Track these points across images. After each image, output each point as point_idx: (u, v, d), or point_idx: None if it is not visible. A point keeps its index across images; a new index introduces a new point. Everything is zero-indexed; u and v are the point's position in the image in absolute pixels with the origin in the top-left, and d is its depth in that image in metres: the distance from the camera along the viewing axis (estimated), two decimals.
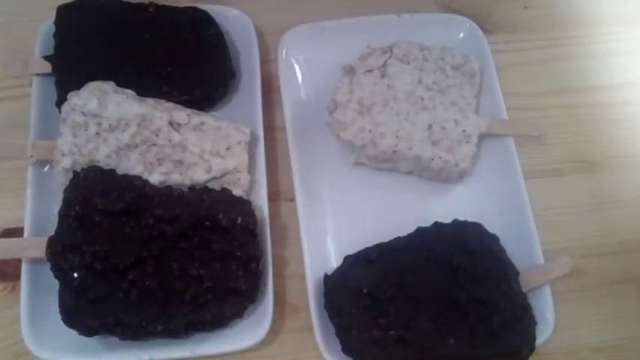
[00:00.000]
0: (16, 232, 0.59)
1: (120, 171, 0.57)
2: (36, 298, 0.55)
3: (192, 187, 0.58)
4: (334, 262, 0.59)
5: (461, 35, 0.70)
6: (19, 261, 0.56)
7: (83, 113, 0.58)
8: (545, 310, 0.57)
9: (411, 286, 0.54)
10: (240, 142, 0.61)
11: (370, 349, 0.52)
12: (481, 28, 0.70)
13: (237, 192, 0.58)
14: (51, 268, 0.53)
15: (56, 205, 0.55)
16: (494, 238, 0.58)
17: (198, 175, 0.58)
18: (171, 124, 0.59)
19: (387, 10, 0.70)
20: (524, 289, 0.56)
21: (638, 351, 0.59)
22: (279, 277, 0.59)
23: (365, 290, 0.54)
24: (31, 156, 0.58)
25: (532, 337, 0.54)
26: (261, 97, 0.64)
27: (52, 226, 0.55)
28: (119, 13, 0.65)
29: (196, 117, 0.60)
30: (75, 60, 0.62)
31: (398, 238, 0.57)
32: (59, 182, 0.58)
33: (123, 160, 0.58)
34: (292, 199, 0.61)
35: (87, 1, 0.65)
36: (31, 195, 0.59)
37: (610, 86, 0.72)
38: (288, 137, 0.63)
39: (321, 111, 0.65)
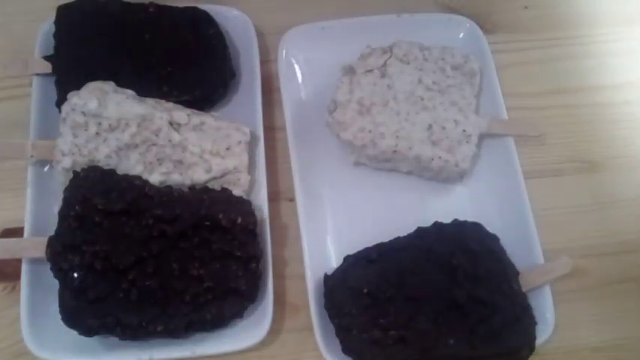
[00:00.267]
0: (16, 232, 0.59)
1: (120, 171, 0.57)
2: (36, 298, 0.55)
3: (192, 187, 0.58)
4: (334, 262, 0.59)
5: (461, 35, 0.70)
6: (19, 261, 0.56)
7: (83, 113, 0.58)
8: (545, 310, 0.57)
9: (411, 286, 0.54)
10: (240, 142, 0.61)
11: (370, 349, 0.52)
12: (481, 28, 0.70)
13: (237, 192, 0.58)
14: (51, 268, 0.53)
15: (56, 205, 0.55)
16: (494, 238, 0.58)
17: (198, 175, 0.58)
18: (171, 124, 0.59)
19: (387, 10, 0.70)
20: (524, 289, 0.56)
21: (638, 351, 0.59)
22: (279, 277, 0.59)
23: (365, 290, 0.54)
24: (31, 156, 0.58)
25: (532, 337, 0.54)
26: (261, 97, 0.64)
27: (52, 226, 0.55)
28: (119, 13, 0.65)
29: (196, 117, 0.60)
30: (75, 60, 0.62)
31: (398, 238, 0.57)
32: (59, 182, 0.58)
33: (123, 160, 0.58)
34: (292, 199, 0.61)
35: (87, 1, 0.65)
36: (31, 195, 0.59)
37: (610, 86, 0.72)
38: (288, 137, 0.63)
39: (321, 111, 0.65)
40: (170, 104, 0.61)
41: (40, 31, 0.66)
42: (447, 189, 0.64)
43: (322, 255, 0.60)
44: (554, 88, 0.72)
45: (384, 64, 0.64)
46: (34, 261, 0.56)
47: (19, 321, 0.54)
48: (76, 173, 0.56)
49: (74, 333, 0.52)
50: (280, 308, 0.58)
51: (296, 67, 0.69)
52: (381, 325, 0.52)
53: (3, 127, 0.65)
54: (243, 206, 0.56)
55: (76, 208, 0.53)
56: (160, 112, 0.59)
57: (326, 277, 0.56)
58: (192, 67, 0.64)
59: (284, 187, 0.64)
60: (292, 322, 0.59)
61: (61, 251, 0.52)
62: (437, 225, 0.58)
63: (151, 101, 0.60)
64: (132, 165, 0.57)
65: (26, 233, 0.57)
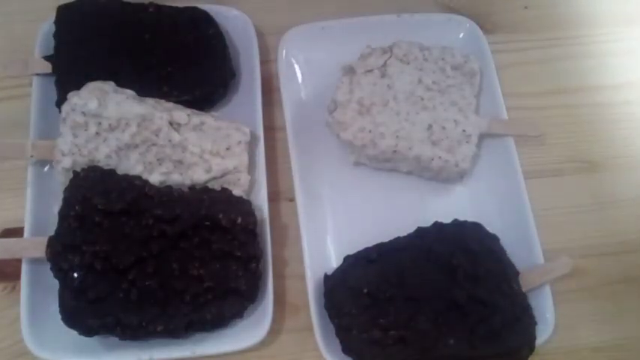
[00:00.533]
0: (16, 232, 0.59)
1: (120, 171, 0.57)
2: (36, 298, 0.55)
3: (192, 187, 0.58)
4: (334, 262, 0.59)
5: (461, 35, 0.70)
6: (19, 261, 0.56)
7: (83, 113, 0.58)
8: (545, 310, 0.57)
9: (411, 286, 0.54)
10: (240, 142, 0.61)
11: (370, 349, 0.52)
12: (481, 28, 0.70)
13: (237, 192, 0.58)
14: (51, 268, 0.53)
15: (56, 205, 0.55)
16: (494, 238, 0.58)
17: (198, 175, 0.58)
18: (171, 124, 0.59)
19: (387, 10, 0.70)
20: (524, 289, 0.56)
21: (638, 351, 0.59)
22: (279, 277, 0.59)
23: (365, 290, 0.54)
24: (31, 156, 0.58)
25: (532, 337, 0.54)
26: (261, 97, 0.64)
27: (52, 226, 0.55)
28: (119, 13, 0.65)
29: (196, 117, 0.60)
30: (75, 60, 0.62)
31: (398, 238, 0.57)
32: (59, 182, 0.58)
33: (123, 160, 0.58)
34: (292, 199, 0.61)
35: (87, 1, 0.65)
36: (31, 195, 0.59)
37: (610, 86, 0.72)
38: (288, 137, 0.63)
39: (321, 111, 0.65)
40: (170, 104, 0.61)
41: (40, 31, 0.66)
42: (447, 189, 0.64)
43: (322, 255, 0.60)
44: (554, 88, 0.72)
45: (384, 64, 0.64)
46: (34, 261, 0.56)
47: (19, 321, 0.54)
48: (76, 173, 0.56)
49: (74, 333, 0.52)
50: (280, 308, 0.58)
51: (296, 67, 0.69)
52: (381, 325, 0.52)
53: (3, 127, 0.65)
54: (243, 206, 0.56)
55: (76, 208, 0.53)
56: (160, 112, 0.59)
57: (326, 277, 0.56)
58: (192, 67, 0.64)
59: (284, 187, 0.64)
60: (292, 322, 0.59)
61: (61, 251, 0.52)
62: (437, 225, 0.58)
63: (151, 101, 0.60)
64: (132, 165, 0.57)
65: (26, 233, 0.57)
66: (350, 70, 0.64)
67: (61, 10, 0.64)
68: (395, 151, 0.61)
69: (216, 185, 0.59)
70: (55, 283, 0.53)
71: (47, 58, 0.63)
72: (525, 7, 0.76)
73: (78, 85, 0.59)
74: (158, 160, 0.58)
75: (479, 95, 0.66)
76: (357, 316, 0.53)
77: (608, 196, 0.66)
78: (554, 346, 0.58)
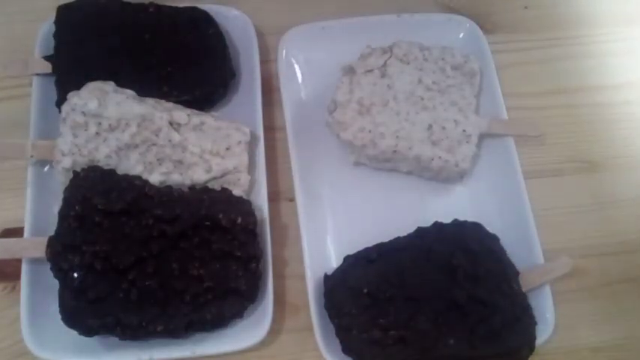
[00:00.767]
0: (16, 232, 0.59)
1: (120, 171, 0.57)
2: (36, 298, 0.55)
3: (192, 187, 0.58)
4: (334, 262, 0.59)
5: (461, 35, 0.70)
6: (19, 261, 0.56)
7: (83, 113, 0.58)
8: (545, 310, 0.57)
9: (411, 286, 0.54)
10: (240, 142, 0.61)
11: (370, 349, 0.52)
12: (481, 28, 0.70)
13: (237, 192, 0.58)
14: (51, 268, 0.53)
15: (56, 205, 0.55)
16: (494, 238, 0.58)
17: (198, 175, 0.58)
18: (171, 124, 0.59)
19: (387, 10, 0.70)
20: (524, 289, 0.56)
21: (638, 351, 0.59)
22: (279, 277, 0.59)
23: (365, 290, 0.54)
24: (31, 156, 0.58)
25: (532, 337, 0.54)
26: (261, 97, 0.64)
27: (52, 226, 0.55)
28: (119, 13, 0.65)
29: (196, 117, 0.60)
30: (75, 60, 0.62)
31: (398, 238, 0.57)
32: (59, 182, 0.58)
33: (123, 160, 0.58)
34: (292, 199, 0.61)
35: (87, 1, 0.65)
36: (31, 195, 0.59)
37: (610, 86, 0.72)
38: (288, 137, 0.63)
39: (321, 111, 0.65)
40: (170, 104, 0.61)
41: (40, 31, 0.66)
42: (447, 189, 0.64)
43: (322, 255, 0.60)
44: (554, 88, 0.72)
45: (384, 64, 0.64)
46: (34, 261, 0.56)
47: (19, 321, 0.54)
48: (76, 173, 0.56)
49: (74, 333, 0.52)
50: (280, 308, 0.58)
51: (296, 67, 0.69)
52: (381, 325, 0.52)
53: (3, 127, 0.65)
54: (243, 206, 0.56)
55: (76, 208, 0.53)
56: (160, 112, 0.59)
57: (326, 277, 0.56)
58: (192, 67, 0.64)
59: (284, 187, 0.64)
60: (292, 322, 0.59)
61: (61, 251, 0.52)
62: (437, 225, 0.58)
63: (151, 101, 0.60)
64: (132, 165, 0.57)
65: (26, 233, 0.57)
66: (350, 70, 0.64)
67: (61, 10, 0.64)
68: (395, 151, 0.61)
69: (216, 185, 0.59)
70: (55, 283, 0.53)
71: (47, 58, 0.64)
72: (525, 7, 0.76)
73: (78, 85, 0.59)
74: (158, 160, 0.58)
75: (479, 95, 0.66)
76: (357, 316, 0.53)
77: (608, 196, 0.66)
78: (554, 346, 0.58)
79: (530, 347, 0.54)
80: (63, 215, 0.54)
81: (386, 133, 0.61)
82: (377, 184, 0.64)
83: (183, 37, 0.65)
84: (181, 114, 0.60)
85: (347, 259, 0.56)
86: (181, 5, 0.66)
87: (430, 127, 0.62)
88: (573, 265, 0.58)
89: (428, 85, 0.63)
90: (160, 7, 0.66)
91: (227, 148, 0.60)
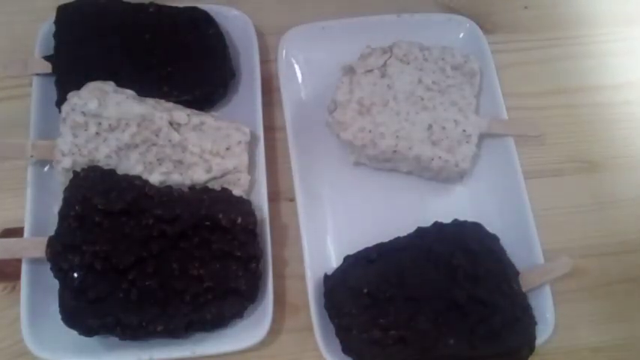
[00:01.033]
0: (16, 232, 0.59)
1: (120, 171, 0.57)
2: (36, 298, 0.55)
3: (192, 187, 0.58)
4: (334, 262, 0.59)
5: (461, 35, 0.70)
6: (19, 261, 0.56)
7: (83, 113, 0.58)
8: (545, 310, 0.57)
9: (411, 286, 0.54)
10: (240, 142, 0.61)
11: (370, 349, 0.52)
12: (481, 28, 0.70)
13: (237, 192, 0.58)
14: (51, 268, 0.53)
15: (56, 205, 0.55)
16: (494, 238, 0.58)
17: (198, 175, 0.58)
18: (171, 124, 0.59)
19: (387, 10, 0.70)
20: (524, 289, 0.56)
21: (637, 351, 0.59)
22: (279, 277, 0.59)
23: (365, 290, 0.54)
24: (31, 156, 0.58)
25: (532, 337, 0.54)
26: (261, 97, 0.64)
27: (52, 226, 0.55)
28: (119, 13, 0.65)
29: (196, 117, 0.60)
30: (75, 60, 0.62)
31: (398, 238, 0.57)
32: (59, 182, 0.58)
33: (123, 160, 0.58)
34: (292, 199, 0.61)
35: (87, 1, 0.65)
36: (31, 195, 0.59)
37: (610, 86, 0.72)
38: (288, 137, 0.63)
39: (321, 111, 0.65)
40: (170, 104, 0.61)
41: (40, 31, 0.66)
42: (447, 189, 0.64)
43: (322, 255, 0.60)
44: (554, 88, 0.72)
45: (384, 64, 0.64)
46: (34, 261, 0.56)
47: (19, 321, 0.54)
48: (76, 173, 0.56)
49: (74, 333, 0.52)
50: (280, 308, 0.58)
51: (296, 67, 0.69)
52: (381, 325, 0.52)
53: (3, 127, 0.65)
54: (243, 206, 0.56)
55: (76, 208, 0.53)
56: (160, 112, 0.59)
57: (326, 277, 0.56)
58: (192, 67, 0.64)
59: (284, 187, 0.64)
60: (292, 322, 0.59)
61: (61, 251, 0.52)
62: (437, 225, 0.58)
63: (151, 101, 0.60)
64: (132, 165, 0.57)
65: (26, 233, 0.57)
66: (350, 70, 0.64)
67: (61, 10, 0.64)
68: (395, 151, 0.61)
69: (216, 185, 0.59)
70: (55, 283, 0.53)
71: (47, 58, 0.63)
72: (525, 7, 0.76)
73: (78, 85, 0.59)
74: (158, 160, 0.58)
75: (479, 95, 0.66)
76: (357, 316, 0.53)
77: (608, 196, 0.66)
78: (554, 346, 0.58)
79: (530, 347, 0.54)
80: (63, 215, 0.54)
81: (386, 133, 0.61)
82: (377, 184, 0.64)
83: (184, 37, 0.65)
84: (181, 114, 0.60)
85: (347, 259, 0.56)
86: (181, 5, 0.66)
87: (430, 127, 0.62)
88: (573, 265, 0.58)
89: (428, 85, 0.63)
90: (160, 7, 0.66)
91: (227, 148, 0.60)
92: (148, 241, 0.53)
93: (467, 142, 0.62)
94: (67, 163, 0.57)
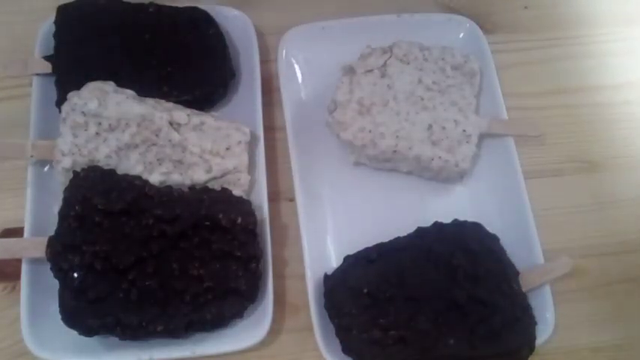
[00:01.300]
0: (16, 232, 0.59)
1: (120, 171, 0.57)
2: (36, 298, 0.55)
3: (192, 187, 0.58)
4: (334, 262, 0.59)
5: (461, 35, 0.70)
6: (19, 261, 0.56)
7: (83, 113, 0.58)
8: (545, 310, 0.57)
9: (411, 286, 0.54)
10: (240, 142, 0.61)
11: (370, 349, 0.52)
12: (481, 28, 0.70)
13: (237, 192, 0.58)
14: (51, 268, 0.53)
15: (56, 205, 0.55)
16: (494, 238, 0.58)
17: (198, 175, 0.58)
18: (171, 124, 0.59)
19: (387, 10, 0.70)
20: (524, 289, 0.56)
21: (637, 351, 0.59)
22: (279, 277, 0.59)
23: (365, 290, 0.54)
24: (31, 156, 0.58)
25: (532, 337, 0.54)
26: (261, 97, 0.64)
27: (52, 226, 0.55)
28: (119, 13, 0.65)
29: (196, 117, 0.60)
30: (75, 60, 0.62)
31: (398, 238, 0.57)
32: (59, 182, 0.58)
33: (123, 160, 0.58)
34: (292, 199, 0.61)
35: (87, 1, 0.65)
36: (31, 195, 0.59)
37: (610, 86, 0.72)
38: (288, 137, 0.63)
39: (321, 111, 0.65)
40: (170, 104, 0.61)
41: (40, 31, 0.66)
42: (447, 189, 0.64)
43: (322, 255, 0.60)
44: (554, 88, 0.72)
45: (384, 64, 0.64)
46: (34, 261, 0.56)
47: (19, 321, 0.54)
48: (76, 173, 0.56)
49: (74, 333, 0.52)
50: (280, 308, 0.58)
51: (296, 67, 0.69)
52: (381, 325, 0.52)
53: (3, 127, 0.65)
54: (243, 206, 0.56)
55: (76, 208, 0.53)
56: (160, 112, 0.59)
57: (326, 277, 0.56)
58: (192, 67, 0.64)
59: (284, 187, 0.64)
60: (292, 322, 0.59)
61: (61, 251, 0.52)
62: (437, 225, 0.58)
63: (151, 101, 0.60)
64: (132, 165, 0.57)
65: (26, 233, 0.57)
66: (350, 70, 0.64)
67: (61, 10, 0.64)
68: (395, 151, 0.61)
69: (216, 185, 0.59)
70: (55, 283, 0.53)
71: (47, 58, 0.64)
72: (525, 7, 0.76)
73: (78, 85, 0.59)
74: (158, 160, 0.58)
75: (479, 95, 0.66)
76: (357, 316, 0.53)
77: (608, 196, 0.66)
78: (554, 346, 0.58)
79: (530, 347, 0.54)
80: (63, 215, 0.54)
81: (386, 133, 0.61)
82: (377, 184, 0.64)
83: (184, 37, 0.65)
84: (181, 114, 0.60)
85: (347, 259, 0.56)
86: (181, 5, 0.66)
87: (430, 127, 0.62)
88: (573, 265, 0.58)
89: (428, 85, 0.63)
90: (160, 7, 0.66)
91: (227, 148, 0.60)
92: (148, 241, 0.53)
93: (467, 142, 0.62)
94: (67, 163, 0.57)
